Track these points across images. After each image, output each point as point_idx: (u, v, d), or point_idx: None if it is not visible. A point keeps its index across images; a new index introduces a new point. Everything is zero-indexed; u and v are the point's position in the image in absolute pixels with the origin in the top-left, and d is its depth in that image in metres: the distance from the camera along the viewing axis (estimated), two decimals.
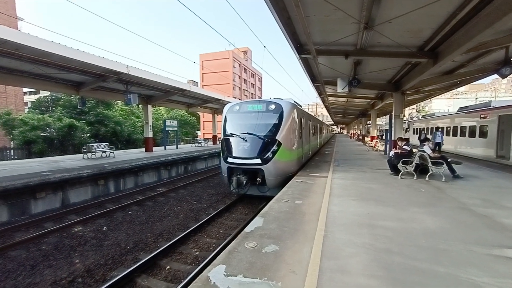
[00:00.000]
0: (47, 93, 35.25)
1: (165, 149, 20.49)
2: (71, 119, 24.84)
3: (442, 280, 2.59)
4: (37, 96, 41.62)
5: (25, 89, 38.38)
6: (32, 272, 4.89)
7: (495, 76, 8.72)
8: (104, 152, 14.76)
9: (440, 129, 14.54)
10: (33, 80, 11.82)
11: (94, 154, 14.33)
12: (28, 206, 8.16)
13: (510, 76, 8.19)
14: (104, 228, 7.11)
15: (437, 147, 14.59)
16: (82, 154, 14.76)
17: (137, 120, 33.85)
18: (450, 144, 16.40)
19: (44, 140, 22.86)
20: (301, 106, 12.30)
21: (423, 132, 19.77)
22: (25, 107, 36.04)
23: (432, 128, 19.91)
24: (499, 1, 4.85)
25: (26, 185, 7.95)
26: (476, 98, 35.59)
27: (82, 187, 9.87)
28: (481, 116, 13.10)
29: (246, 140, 8.12)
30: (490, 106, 13.00)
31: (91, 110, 28.08)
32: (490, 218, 4.33)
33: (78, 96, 15.40)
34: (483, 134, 12.90)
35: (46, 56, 9.04)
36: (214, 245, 5.91)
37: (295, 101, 10.34)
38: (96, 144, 15.23)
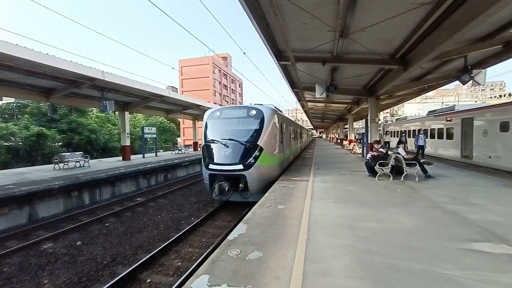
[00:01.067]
0: (11, 100, 32.77)
1: (143, 157, 19.77)
2: (40, 128, 23.32)
3: (418, 276, 2.71)
4: None
5: None
6: None
7: (457, 82, 9.46)
8: (78, 161, 13.94)
9: (422, 131, 12.84)
10: None
11: (67, 164, 13.46)
12: None
13: (469, 82, 8.93)
14: (78, 242, 6.65)
15: (420, 151, 13.75)
16: (53, 165, 13.81)
17: (113, 127, 32.50)
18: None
19: (7, 151, 21.18)
20: (281, 112, 12.50)
21: (403, 135, 19.71)
22: None
23: (407, 131, 21.04)
24: (457, 15, 5.32)
25: None
26: (442, 103, 38.34)
27: (52, 200, 9.20)
28: (447, 119, 14.11)
29: (227, 146, 8.06)
30: (454, 110, 14.06)
31: (63, 117, 26.56)
32: (459, 215, 4.63)
33: (48, 103, 14.49)
34: (450, 136, 13.88)
35: (10, 60, 8.42)
36: (196, 255, 5.75)
37: (275, 107, 10.50)
38: (69, 153, 14.37)
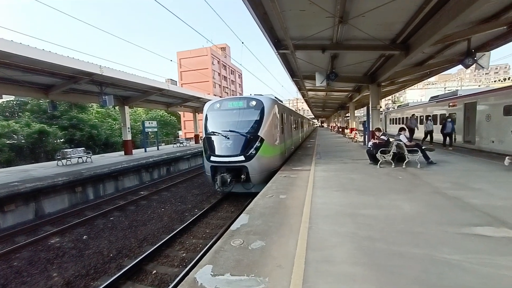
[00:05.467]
0: (12, 98, 32.70)
1: (145, 151, 19.86)
2: (42, 125, 23.37)
3: (419, 261, 2.74)
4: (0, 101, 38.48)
5: None
6: None
7: (460, 66, 9.26)
8: (80, 157, 14.04)
9: None
10: None
11: (70, 160, 13.58)
12: None
13: (472, 66, 8.74)
14: (84, 237, 6.78)
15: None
16: (56, 161, 13.93)
17: (114, 122, 32.51)
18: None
19: (11, 148, 21.31)
20: (281, 102, 12.38)
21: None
22: None
23: (407, 118, 20.79)
24: None
25: None
26: (445, 88, 37.78)
27: (57, 195, 9.33)
28: (450, 104, 13.94)
29: (228, 138, 8.05)
30: (456, 95, 13.85)
31: (64, 114, 26.57)
32: (460, 200, 4.63)
33: (47, 100, 14.47)
34: (452, 121, 13.71)
35: (6, 57, 8.35)
36: (201, 246, 5.85)
37: (275, 97, 10.40)
38: (71, 149, 14.43)
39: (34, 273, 5.12)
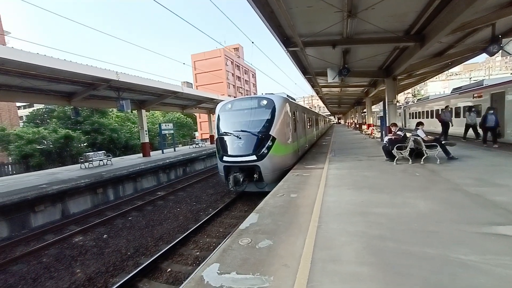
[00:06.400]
0: (41, 106, 35.06)
1: (162, 152, 20.48)
2: (67, 130, 24.81)
3: (431, 261, 2.62)
4: (31, 109, 41.38)
5: (18, 103, 38.16)
6: (34, 285, 4.93)
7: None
8: (101, 160, 14.76)
9: None
10: (23, 94, 11.75)
11: (92, 163, 14.32)
12: (27, 220, 8.18)
13: (504, 53, 8.15)
14: (105, 236, 7.13)
15: None
16: (79, 164, 14.75)
17: (133, 126, 33.78)
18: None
19: (41, 153, 22.82)
20: (294, 100, 12.27)
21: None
22: (20, 121, 35.85)
23: (427, 112, 19.83)
24: None
25: (23, 199, 7.95)
26: (470, 78, 35.50)
27: (81, 197, 9.88)
28: (474, 95, 13.09)
29: (240, 138, 8.12)
30: (482, 85, 12.98)
31: (86, 119, 28.02)
32: (482, 197, 4.36)
33: (71, 107, 15.36)
34: (478, 113, 12.86)
35: (33, 69, 8.98)
36: (214, 244, 5.95)
37: (287, 95, 10.33)
38: (93, 153, 15.22)
39: (60, 269, 5.47)
